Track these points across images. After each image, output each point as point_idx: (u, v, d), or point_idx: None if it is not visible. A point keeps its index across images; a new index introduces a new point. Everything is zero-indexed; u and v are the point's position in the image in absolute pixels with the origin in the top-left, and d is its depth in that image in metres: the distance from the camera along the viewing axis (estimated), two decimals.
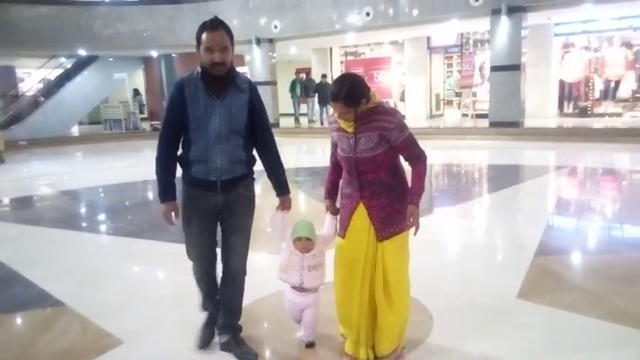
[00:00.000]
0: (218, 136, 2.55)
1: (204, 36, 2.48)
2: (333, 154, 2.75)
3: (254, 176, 2.79)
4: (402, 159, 2.62)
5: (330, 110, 14.78)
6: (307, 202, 6.94)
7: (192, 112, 2.53)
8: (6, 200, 8.57)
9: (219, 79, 2.55)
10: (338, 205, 2.83)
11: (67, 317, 3.51)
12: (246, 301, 2.95)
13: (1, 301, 3.89)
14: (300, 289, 2.79)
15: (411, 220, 2.53)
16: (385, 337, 2.61)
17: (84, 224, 6.70)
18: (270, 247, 4.43)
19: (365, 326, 2.64)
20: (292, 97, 17.88)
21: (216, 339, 2.92)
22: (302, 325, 2.89)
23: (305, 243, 2.73)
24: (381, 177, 2.55)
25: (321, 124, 16.89)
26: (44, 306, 3.73)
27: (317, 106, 17.38)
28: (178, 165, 2.70)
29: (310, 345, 2.91)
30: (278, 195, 2.86)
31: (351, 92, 2.41)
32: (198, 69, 2.57)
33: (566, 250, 4.62)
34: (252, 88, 2.68)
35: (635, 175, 8.64)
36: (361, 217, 2.58)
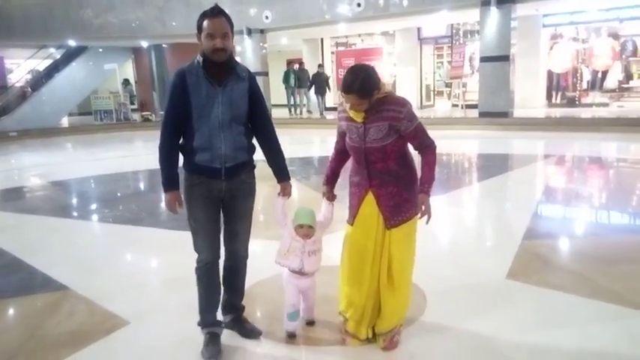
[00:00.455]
0: (221, 123, 2.59)
1: (205, 23, 2.53)
2: (338, 142, 2.80)
3: (254, 163, 2.84)
4: (410, 148, 2.67)
5: (328, 100, 14.69)
6: (301, 190, 7.06)
7: (194, 100, 2.56)
8: (2, 190, 8.59)
9: (220, 67, 2.59)
10: (335, 192, 2.93)
11: (73, 300, 3.61)
12: (246, 284, 3.05)
13: (6, 286, 3.99)
14: (299, 273, 2.87)
15: (423, 208, 2.60)
16: (386, 319, 2.72)
17: (81, 213, 6.78)
18: (266, 232, 4.55)
19: (370, 308, 2.73)
20: (286, 88, 17.83)
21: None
22: (302, 308, 2.98)
23: (307, 230, 2.81)
24: (390, 166, 2.58)
25: (320, 114, 16.92)
26: (49, 290, 3.83)
27: (313, 96, 17.40)
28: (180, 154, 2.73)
29: (310, 323, 3.02)
30: (279, 181, 2.91)
31: (365, 84, 2.43)
32: (199, 58, 2.60)
33: (552, 234, 4.79)
34: (251, 77, 2.74)
35: (620, 163, 8.87)
36: (370, 205, 2.64)
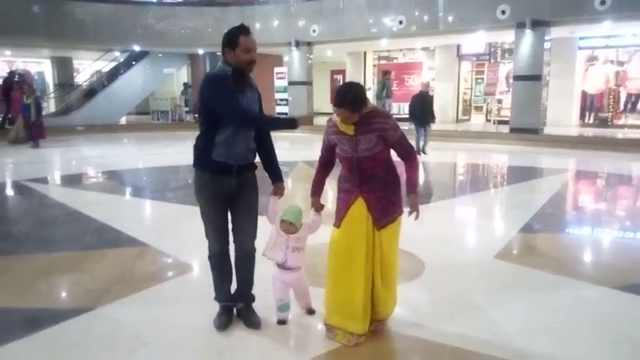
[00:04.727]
0: (240, 125, 2.93)
1: (242, 39, 2.87)
2: (324, 156, 3.12)
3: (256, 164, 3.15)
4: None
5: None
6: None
7: (223, 102, 2.87)
8: (79, 174, 9.94)
9: (243, 77, 2.93)
10: (322, 201, 3.22)
11: (153, 253, 4.72)
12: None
13: (101, 242, 5.12)
14: (284, 267, 3.12)
15: (412, 207, 2.94)
16: (382, 311, 3.04)
17: (149, 194, 8.01)
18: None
19: (369, 304, 2.94)
20: (378, 101, 15.17)
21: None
22: (296, 300, 3.24)
23: (287, 226, 3.06)
24: (378, 172, 2.89)
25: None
26: (133, 245, 4.94)
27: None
28: (196, 150, 3.03)
29: (311, 312, 3.24)
30: (273, 182, 3.20)
31: (355, 99, 2.73)
32: (228, 67, 2.91)
33: (545, 230, 5.62)
34: (257, 87, 3.10)
35: (631, 180, 9.47)
36: (360, 208, 2.89)
